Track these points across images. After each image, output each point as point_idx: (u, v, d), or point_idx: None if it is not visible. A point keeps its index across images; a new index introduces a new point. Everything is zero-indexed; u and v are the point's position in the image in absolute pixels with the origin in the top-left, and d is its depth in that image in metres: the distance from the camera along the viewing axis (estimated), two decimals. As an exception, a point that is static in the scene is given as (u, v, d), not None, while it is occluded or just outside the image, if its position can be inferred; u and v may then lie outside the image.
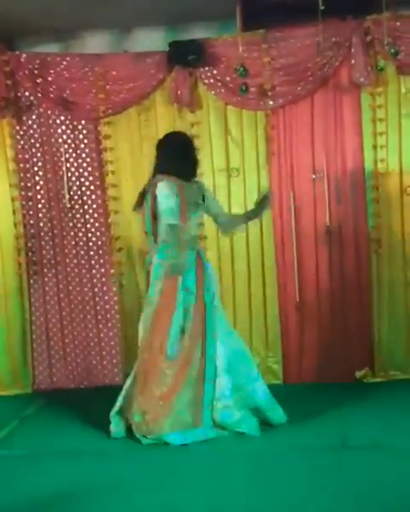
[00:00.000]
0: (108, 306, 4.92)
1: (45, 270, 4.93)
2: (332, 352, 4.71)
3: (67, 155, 4.86)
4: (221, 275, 4.76)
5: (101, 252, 4.90)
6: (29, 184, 4.90)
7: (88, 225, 4.90)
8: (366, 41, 4.50)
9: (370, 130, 4.61)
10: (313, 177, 4.69)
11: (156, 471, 3.24)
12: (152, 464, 3.34)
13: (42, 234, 4.92)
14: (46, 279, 4.94)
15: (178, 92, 4.67)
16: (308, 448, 3.43)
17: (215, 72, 4.71)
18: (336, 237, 4.69)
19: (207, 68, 4.70)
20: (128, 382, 3.76)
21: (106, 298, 4.92)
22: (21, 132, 4.88)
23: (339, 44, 4.54)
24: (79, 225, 4.90)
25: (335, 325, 4.72)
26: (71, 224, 4.90)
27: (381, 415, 3.92)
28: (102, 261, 4.91)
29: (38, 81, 4.78)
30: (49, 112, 4.86)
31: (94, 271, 4.91)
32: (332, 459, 3.26)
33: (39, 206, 4.92)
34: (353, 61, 4.52)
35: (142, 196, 3.84)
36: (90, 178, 4.87)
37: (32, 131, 4.88)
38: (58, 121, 4.87)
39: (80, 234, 4.91)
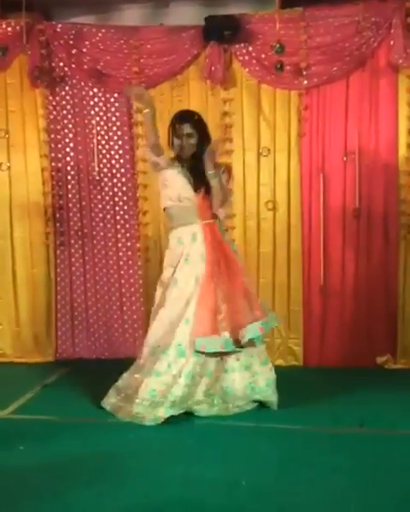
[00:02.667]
0: (132, 280, 4.95)
1: (72, 242, 4.98)
2: (354, 336, 4.70)
3: (99, 128, 4.87)
4: (246, 256, 4.76)
5: (128, 226, 4.92)
6: (59, 155, 4.92)
7: (116, 198, 4.91)
8: (406, 22, 4.41)
9: (405, 113, 4.53)
10: (345, 159, 4.63)
11: (175, 443, 3.28)
12: (172, 435, 3.38)
13: (70, 205, 4.95)
14: (72, 250, 4.98)
15: (212, 68, 4.63)
16: (326, 430, 3.44)
17: (251, 48, 4.65)
18: (364, 221, 4.65)
19: (242, 45, 4.65)
20: None
21: (131, 271, 4.95)
22: (54, 103, 4.89)
23: (379, 25, 4.46)
24: (107, 198, 4.92)
25: (359, 310, 4.70)
26: (99, 197, 4.92)
27: (400, 401, 3.91)
28: (128, 235, 4.93)
29: (72, 52, 4.78)
30: (82, 83, 4.86)
31: (120, 244, 4.94)
32: (350, 442, 3.28)
33: (68, 177, 4.94)
34: (392, 43, 4.44)
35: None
36: (121, 152, 4.87)
37: (64, 102, 4.89)
38: (91, 93, 4.87)
39: (108, 207, 4.93)
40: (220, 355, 3.63)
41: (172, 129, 3.73)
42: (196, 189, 3.70)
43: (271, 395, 3.74)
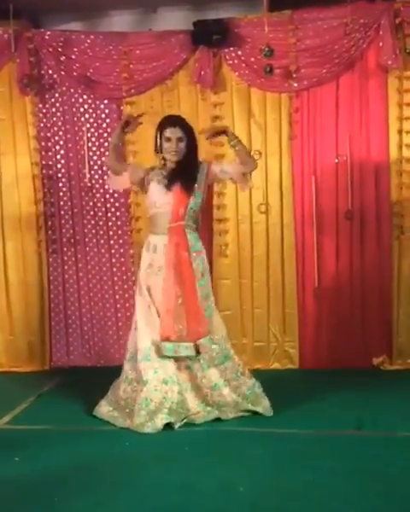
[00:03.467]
0: (126, 286, 4.93)
1: (65, 249, 4.96)
2: (350, 338, 4.69)
3: (89, 134, 4.86)
4: (240, 258, 4.76)
5: (120, 232, 4.91)
6: (50, 163, 4.91)
7: (108, 205, 4.90)
8: (395, 23, 4.43)
9: (396, 114, 4.55)
10: (336, 160, 4.63)
11: (172, 449, 3.25)
12: (168, 442, 3.36)
13: (62, 212, 4.94)
14: (65, 258, 4.96)
15: (202, 72, 4.63)
16: (323, 433, 3.42)
17: (240, 52, 4.66)
18: (357, 222, 4.65)
19: (231, 49, 4.66)
20: None
21: (124, 278, 4.93)
22: (44, 110, 4.87)
23: (367, 26, 4.47)
24: (99, 205, 4.91)
25: (353, 311, 4.69)
26: (91, 204, 4.91)
27: (397, 402, 3.90)
28: (121, 241, 4.91)
29: (61, 59, 4.77)
30: (71, 90, 4.86)
31: (113, 251, 4.92)
32: (347, 444, 3.26)
33: (60, 184, 4.93)
34: (381, 44, 4.46)
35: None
36: (112, 158, 4.85)
37: (54, 110, 4.88)
38: (81, 100, 4.86)
39: (100, 213, 4.91)
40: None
41: (161, 134, 3.71)
42: (168, 188, 3.69)
43: (259, 402, 3.71)
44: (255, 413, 3.70)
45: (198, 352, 3.61)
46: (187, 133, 3.70)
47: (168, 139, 3.68)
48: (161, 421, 3.49)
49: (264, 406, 3.71)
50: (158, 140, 3.72)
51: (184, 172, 3.69)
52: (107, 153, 4.82)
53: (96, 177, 4.89)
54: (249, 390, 3.71)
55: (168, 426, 3.50)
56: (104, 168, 4.87)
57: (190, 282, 3.65)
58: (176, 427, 3.51)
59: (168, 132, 3.68)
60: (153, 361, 3.57)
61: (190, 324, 3.63)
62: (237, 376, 3.71)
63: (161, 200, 3.71)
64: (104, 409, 3.77)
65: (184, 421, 3.56)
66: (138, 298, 3.76)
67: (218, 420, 3.63)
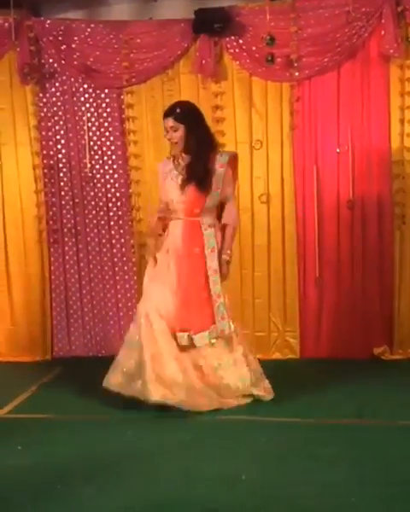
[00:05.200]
0: (127, 276, 4.93)
1: (66, 239, 4.95)
2: (351, 328, 4.69)
3: (90, 124, 4.84)
4: (241, 248, 4.75)
5: (121, 222, 4.90)
6: (51, 152, 4.89)
7: (109, 195, 4.89)
8: (397, 12, 4.40)
9: (397, 103, 4.53)
10: (338, 150, 4.62)
11: (173, 438, 3.26)
12: (170, 431, 3.37)
13: (63, 202, 4.93)
14: (66, 248, 4.96)
15: (203, 62, 4.61)
16: (324, 422, 3.43)
17: (241, 41, 4.63)
18: (358, 212, 4.64)
19: (232, 38, 4.63)
20: None
21: (125, 268, 4.93)
22: (44, 100, 4.85)
23: (369, 15, 4.44)
24: (100, 195, 4.90)
25: (354, 301, 4.69)
26: (92, 194, 4.90)
27: (398, 391, 3.90)
28: (122, 231, 4.90)
29: (61, 48, 4.75)
30: (72, 79, 4.83)
31: (114, 241, 4.92)
32: (348, 433, 3.26)
33: (61, 174, 4.91)
34: (383, 32, 4.43)
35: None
36: (112, 148, 4.85)
37: (54, 99, 4.85)
38: (81, 89, 4.84)
39: (101, 203, 4.90)
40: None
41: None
42: (182, 188, 3.68)
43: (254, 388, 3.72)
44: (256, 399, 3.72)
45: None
46: (182, 119, 3.64)
47: (165, 129, 3.69)
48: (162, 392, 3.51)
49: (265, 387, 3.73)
50: None
51: (198, 172, 3.65)
52: (107, 143, 4.85)
53: (97, 166, 4.87)
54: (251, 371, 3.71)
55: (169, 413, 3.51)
56: (105, 158, 4.86)
57: (202, 278, 3.65)
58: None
59: (163, 123, 3.70)
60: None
61: (196, 317, 3.63)
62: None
63: (176, 198, 3.71)
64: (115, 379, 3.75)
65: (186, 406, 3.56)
66: (149, 269, 3.81)
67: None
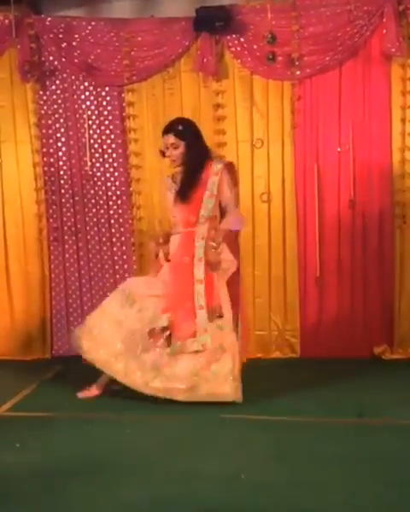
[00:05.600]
0: (127, 275, 4.91)
1: (66, 237, 4.94)
2: (351, 327, 4.69)
3: (90, 122, 4.83)
4: (242, 247, 4.70)
5: (121, 220, 4.89)
6: (51, 150, 4.88)
7: (109, 193, 4.88)
8: (398, 10, 4.40)
9: (399, 102, 4.52)
10: (339, 149, 4.61)
11: (172, 437, 3.26)
12: (169, 430, 3.36)
13: (63, 200, 4.92)
14: (66, 246, 4.95)
15: (204, 60, 4.60)
16: (324, 421, 3.42)
17: (242, 39, 4.62)
18: (359, 211, 4.63)
19: (234, 36, 4.62)
20: None
21: (125, 266, 4.92)
22: (44, 97, 4.84)
23: (371, 13, 4.44)
24: (101, 193, 4.89)
25: (355, 301, 4.69)
26: (92, 192, 4.89)
27: (398, 391, 3.90)
28: (122, 229, 4.89)
29: (62, 45, 4.74)
30: (72, 77, 4.82)
31: (114, 239, 4.91)
32: (348, 432, 3.26)
33: (61, 172, 4.90)
34: (384, 31, 4.42)
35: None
36: (113, 146, 4.84)
37: (55, 97, 4.84)
38: (82, 87, 4.83)
39: (101, 201, 4.89)
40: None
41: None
42: (175, 202, 3.74)
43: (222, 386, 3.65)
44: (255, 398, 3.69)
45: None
46: (183, 136, 3.66)
47: (166, 146, 3.71)
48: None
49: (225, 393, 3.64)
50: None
51: (190, 185, 3.68)
52: (108, 141, 4.84)
53: (98, 164, 4.86)
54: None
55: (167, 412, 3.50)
56: (105, 156, 4.85)
57: (189, 287, 3.64)
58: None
59: (163, 139, 3.72)
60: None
61: (180, 324, 3.64)
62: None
63: (173, 211, 3.79)
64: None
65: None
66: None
67: (219, 406, 3.62)
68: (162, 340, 3.65)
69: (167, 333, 3.65)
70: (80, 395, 3.85)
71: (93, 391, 3.86)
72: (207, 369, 3.62)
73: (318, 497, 2.56)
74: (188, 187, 3.70)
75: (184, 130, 3.67)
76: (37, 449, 3.12)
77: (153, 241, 3.89)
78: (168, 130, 3.70)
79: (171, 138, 3.67)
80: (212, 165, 3.71)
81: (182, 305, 3.66)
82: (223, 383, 3.62)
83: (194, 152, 3.69)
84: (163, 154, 3.76)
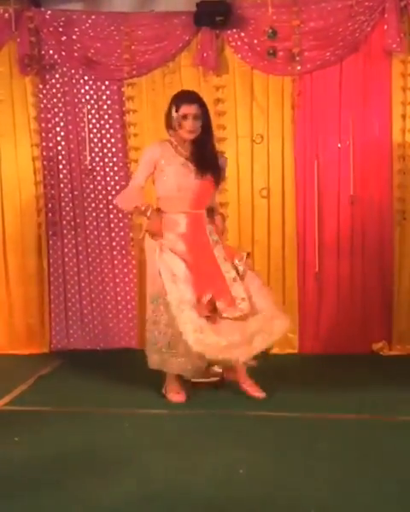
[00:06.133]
0: (126, 270, 4.91)
1: (64, 232, 4.92)
2: (350, 323, 4.68)
3: (90, 116, 4.81)
4: (241, 242, 4.73)
5: (121, 215, 4.87)
6: (50, 144, 4.86)
7: (109, 187, 4.86)
8: (400, 6, 4.38)
9: (399, 98, 4.51)
10: (339, 145, 4.60)
11: (172, 431, 3.26)
12: (168, 424, 3.37)
13: (62, 195, 4.90)
14: (65, 240, 4.93)
15: (204, 54, 4.58)
16: (323, 417, 3.43)
17: (243, 34, 4.60)
18: (359, 207, 4.62)
19: (234, 30, 4.60)
20: None
21: (124, 261, 4.91)
22: (44, 91, 4.82)
23: (372, 9, 4.42)
24: (100, 187, 4.87)
25: (354, 297, 4.69)
26: (92, 186, 4.87)
27: (397, 387, 3.89)
28: (121, 224, 4.88)
29: (62, 39, 4.71)
30: (72, 71, 4.79)
31: (113, 234, 4.89)
32: (347, 429, 3.27)
33: (60, 166, 4.88)
34: (385, 27, 4.40)
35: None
36: (113, 140, 4.82)
37: (54, 91, 4.82)
38: (82, 81, 4.80)
39: (101, 196, 4.87)
40: None
41: (175, 110, 3.56)
42: (202, 176, 3.59)
43: None
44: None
45: None
46: (204, 109, 3.59)
47: (185, 117, 3.54)
48: None
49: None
50: (172, 115, 3.58)
51: (214, 161, 3.62)
52: (108, 135, 4.82)
53: (97, 159, 4.84)
54: None
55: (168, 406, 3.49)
56: (105, 150, 4.84)
57: (215, 266, 3.59)
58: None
59: (185, 109, 3.52)
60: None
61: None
62: None
63: (185, 184, 3.58)
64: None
65: None
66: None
67: (219, 402, 3.63)
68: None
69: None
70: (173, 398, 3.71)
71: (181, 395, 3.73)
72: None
73: (318, 494, 2.56)
74: (219, 168, 3.59)
75: (204, 103, 3.62)
76: (35, 444, 3.12)
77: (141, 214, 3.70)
78: (193, 100, 3.56)
79: (194, 108, 3.51)
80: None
81: (214, 285, 3.56)
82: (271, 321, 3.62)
83: (210, 127, 3.63)
84: (171, 125, 3.59)
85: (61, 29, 4.70)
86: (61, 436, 3.22)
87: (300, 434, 3.20)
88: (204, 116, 3.60)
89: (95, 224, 4.91)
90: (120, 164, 4.83)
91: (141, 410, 3.58)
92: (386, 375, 4.15)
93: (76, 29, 4.71)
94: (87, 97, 4.81)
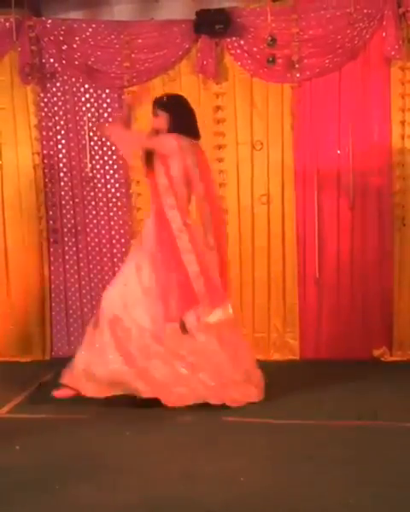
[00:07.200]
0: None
1: (66, 239, 4.94)
2: (350, 329, 4.69)
3: (91, 124, 4.84)
4: (241, 249, 4.75)
5: (121, 222, 4.89)
6: (51, 152, 4.89)
7: (109, 195, 4.89)
8: (398, 13, 4.41)
9: (398, 105, 4.53)
10: (338, 152, 4.62)
11: (172, 439, 3.26)
12: (168, 432, 3.36)
13: (63, 202, 4.92)
14: (66, 248, 4.95)
15: (204, 62, 4.61)
16: (324, 423, 3.42)
17: (242, 42, 4.64)
18: (358, 214, 4.64)
19: (234, 39, 4.64)
20: None
21: (125, 268, 4.92)
22: (45, 100, 4.85)
23: (371, 16, 4.46)
24: (101, 194, 4.89)
25: (354, 302, 4.69)
26: (92, 194, 4.89)
27: (397, 393, 3.90)
28: (122, 231, 4.90)
29: (63, 48, 4.75)
30: (73, 79, 4.83)
31: (114, 241, 4.91)
32: (348, 435, 3.27)
33: (61, 174, 4.91)
34: (384, 34, 4.44)
35: None
36: (113, 148, 4.83)
37: (55, 99, 4.85)
38: (82, 89, 4.84)
39: (101, 203, 4.90)
40: None
41: None
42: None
43: None
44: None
45: None
46: (165, 107, 3.74)
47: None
48: None
49: None
50: None
51: None
52: (108, 143, 4.83)
53: (98, 166, 4.87)
54: None
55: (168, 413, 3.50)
56: (105, 158, 4.86)
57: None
58: None
59: None
60: None
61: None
62: None
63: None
64: None
65: None
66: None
67: (220, 409, 3.63)
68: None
69: None
70: None
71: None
72: None
73: (318, 500, 2.56)
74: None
75: (168, 101, 3.77)
76: (36, 451, 3.12)
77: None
78: (154, 102, 3.82)
79: (154, 107, 3.78)
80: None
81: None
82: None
83: (176, 124, 3.73)
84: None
85: (61, 38, 4.74)
86: (62, 443, 3.22)
87: (301, 441, 3.19)
88: (173, 117, 3.75)
89: (96, 230, 4.93)
90: (121, 171, 4.86)
91: (142, 418, 3.57)
92: (387, 381, 4.15)
93: (77, 38, 4.75)
94: (88, 105, 4.84)
